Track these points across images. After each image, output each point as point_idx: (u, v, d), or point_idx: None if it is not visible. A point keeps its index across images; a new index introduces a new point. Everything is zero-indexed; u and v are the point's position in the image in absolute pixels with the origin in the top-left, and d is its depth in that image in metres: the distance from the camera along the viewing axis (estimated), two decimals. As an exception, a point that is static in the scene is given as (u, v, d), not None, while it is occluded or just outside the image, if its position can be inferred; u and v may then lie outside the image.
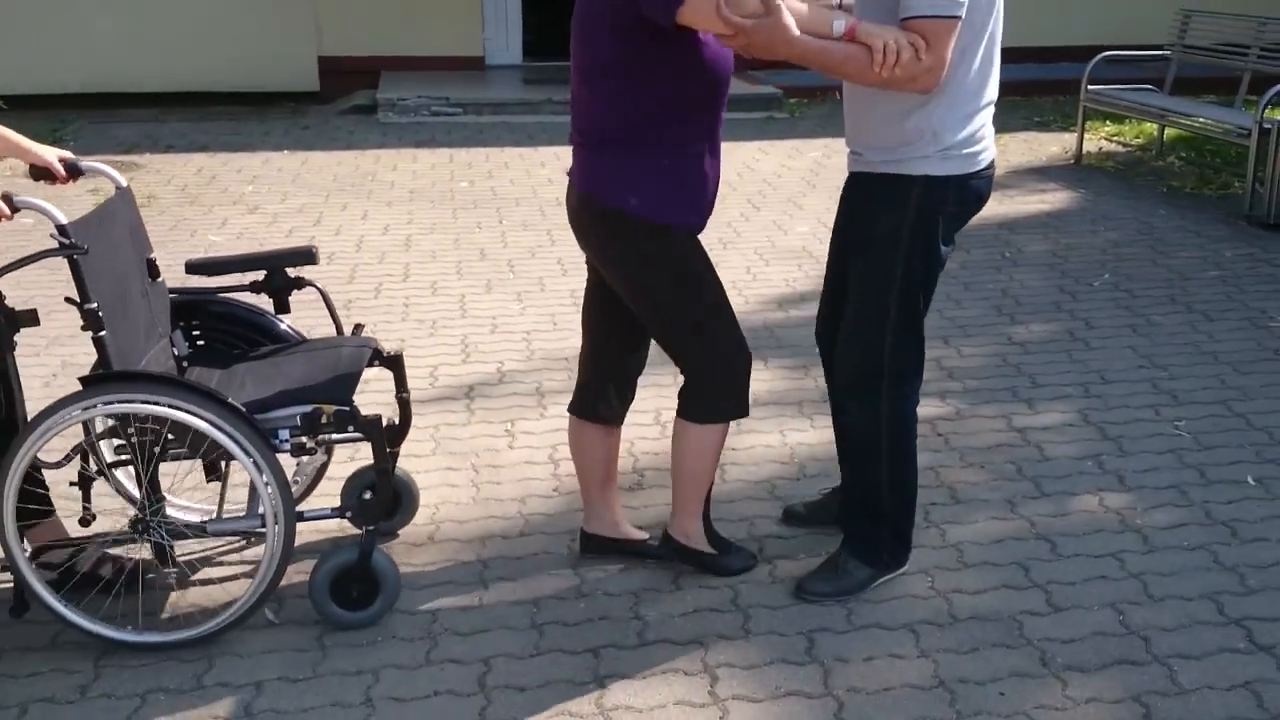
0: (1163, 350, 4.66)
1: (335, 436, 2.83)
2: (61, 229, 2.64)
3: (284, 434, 2.76)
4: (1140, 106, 7.68)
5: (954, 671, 2.73)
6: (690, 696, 2.64)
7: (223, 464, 3.04)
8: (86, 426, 2.77)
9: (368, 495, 2.87)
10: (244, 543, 3.25)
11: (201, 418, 2.62)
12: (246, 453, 2.65)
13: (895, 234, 2.81)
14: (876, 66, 2.53)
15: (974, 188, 2.83)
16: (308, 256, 3.14)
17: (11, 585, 2.96)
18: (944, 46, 2.59)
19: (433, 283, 5.49)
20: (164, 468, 2.79)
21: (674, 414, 2.99)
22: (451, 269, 5.69)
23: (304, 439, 2.78)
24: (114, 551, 3.06)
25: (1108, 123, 9.04)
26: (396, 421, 3.15)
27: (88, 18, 9.36)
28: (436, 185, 7.30)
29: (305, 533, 3.28)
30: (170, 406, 2.62)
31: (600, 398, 3.07)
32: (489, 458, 3.78)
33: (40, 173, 2.99)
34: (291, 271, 3.17)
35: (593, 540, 3.18)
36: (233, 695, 2.62)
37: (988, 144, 2.84)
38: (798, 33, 2.51)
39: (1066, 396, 4.23)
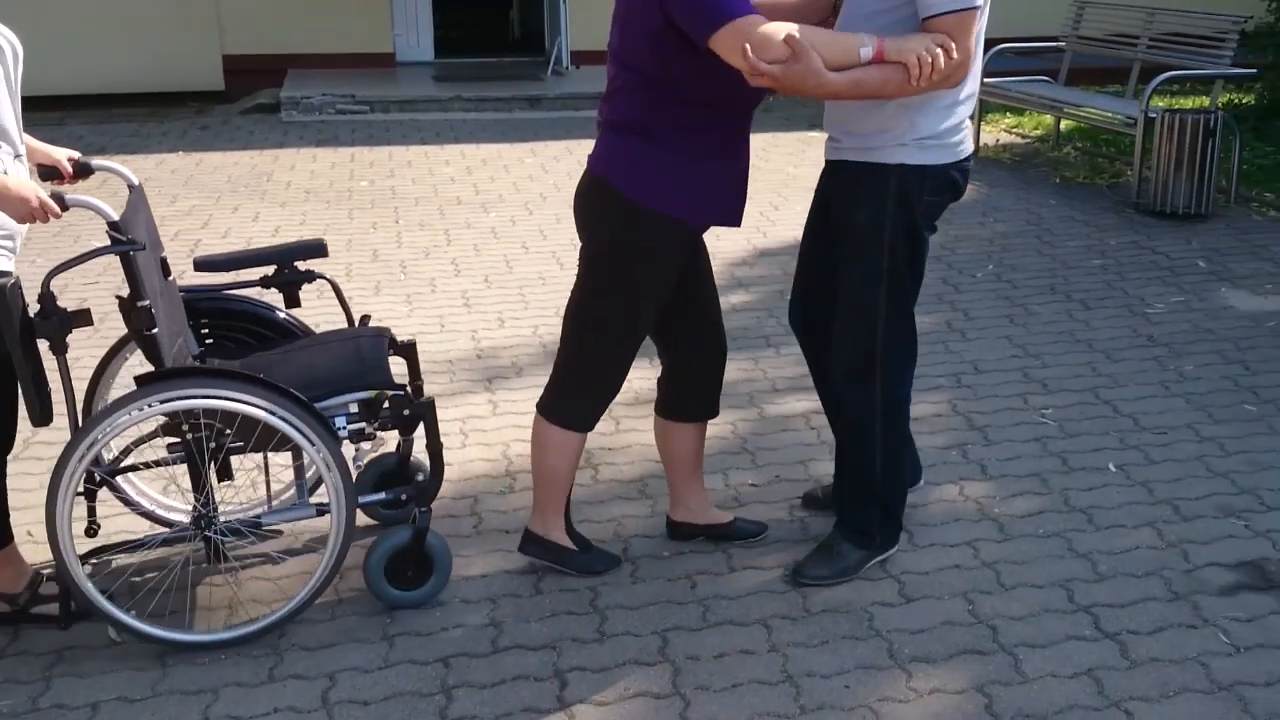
0: (1038, 339, 4.73)
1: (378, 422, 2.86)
2: (115, 225, 2.60)
3: (340, 421, 2.80)
4: (1034, 98, 7.79)
5: (802, 665, 2.75)
6: (537, 703, 2.63)
7: (263, 457, 3.04)
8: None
9: (421, 477, 2.90)
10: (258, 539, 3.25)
11: (268, 410, 2.62)
12: (311, 442, 2.66)
13: (877, 224, 2.84)
14: (914, 80, 2.54)
15: (951, 178, 2.87)
16: (318, 250, 3.17)
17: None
18: (969, 38, 2.63)
19: (319, 287, 5.42)
20: (169, 468, 2.86)
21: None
22: (341, 271, 5.62)
23: (363, 425, 2.81)
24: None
25: (1008, 115, 9.16)
26: None
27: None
28: (335, 185, 7.22)
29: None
30: (235, 400, 2.61)
31: (662, 391, 3.13)
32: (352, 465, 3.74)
33: (49, 172, 2.95)
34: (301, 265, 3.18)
35: (680, 528, 3.27)
36: (67, 717, 2.57)
37: (965, 136, 2.87)
38: (828, 74, 2.50)
39: (938, 387, 4.28)
